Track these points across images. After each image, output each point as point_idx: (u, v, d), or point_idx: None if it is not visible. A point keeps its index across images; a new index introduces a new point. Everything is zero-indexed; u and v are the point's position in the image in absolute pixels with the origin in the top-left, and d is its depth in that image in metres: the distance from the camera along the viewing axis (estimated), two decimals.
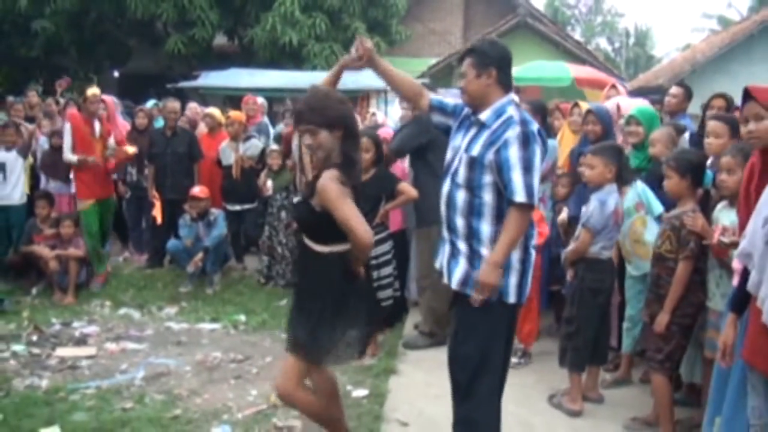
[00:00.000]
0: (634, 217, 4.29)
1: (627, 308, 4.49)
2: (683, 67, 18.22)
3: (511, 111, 3.01)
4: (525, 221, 2.98)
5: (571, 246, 4.19)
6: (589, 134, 4.97)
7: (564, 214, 5.01)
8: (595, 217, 3.97)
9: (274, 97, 11.26)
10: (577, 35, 32.18)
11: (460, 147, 3.10)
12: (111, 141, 7.06)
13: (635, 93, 8.99)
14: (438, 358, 3.81)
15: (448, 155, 3.19)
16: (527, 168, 2.91)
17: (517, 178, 2.90)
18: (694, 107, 6.12)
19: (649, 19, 58.35)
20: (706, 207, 3.81)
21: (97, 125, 6.94)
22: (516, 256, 3.02)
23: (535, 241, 3.22)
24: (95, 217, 6.88)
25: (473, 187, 3.01)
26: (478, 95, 3.06)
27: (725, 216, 3.48)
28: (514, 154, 2.91)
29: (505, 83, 3.07)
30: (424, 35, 18.68)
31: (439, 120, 3.33)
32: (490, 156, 2.95)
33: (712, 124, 4.03)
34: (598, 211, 3.97)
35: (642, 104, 5.32)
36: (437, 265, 3.28)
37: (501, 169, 2.92)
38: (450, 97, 3.56)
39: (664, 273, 3.72)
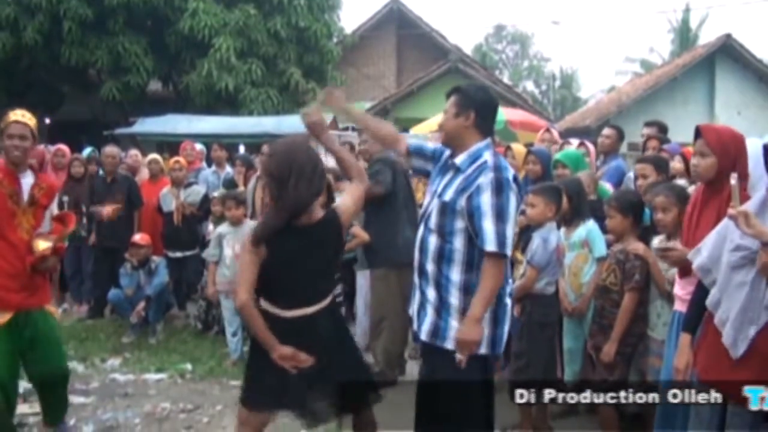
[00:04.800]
0: (579, 252, 4.39)
1: (565, 341, 4.55)
2: (609, 109, 18.92)
3: (487, 156, 2.96)
4: (499, 271, 2.88)
5: (517, 283, 4.32)
6: (530, 173, 5.19)
7: None
8: (539, 254, 4.11)
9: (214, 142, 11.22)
10: (506, 79, 33.16)
11: (435, 192, 3.05)
12: (47, 215, 3.94)
13: (565, 134, 9.32)
14: (388, 398, 3.83)
15: (426, 200, 3.16)
16: (500, 215, 2.82)
17: (488, 226, 2.82)
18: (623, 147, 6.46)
19: (574, 63, 61.07)
20: (646, 243, 3.95)
21: (27, 182, 3.84)
22: None
23: (510, 288, 3.16)
24: (5, 347, 3.65)
25: (444, 233, 2.95)
26: (453, 134, 3.04)
27: None
28: (486, 201, 2.83)
29: (483, 128, 3.03)
30: (359, 80, 19.07)
31: (419, 164, 3.29)
32: (462, 202, 2.89)
33: (639, 167, 4.29)
34: (542, 249, 4.11)
35: (569, 148, 5.61)
36: (410, 311, 3.21)
37: (473, 216, 2.86)
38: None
39: (609, 305, 3.89)
